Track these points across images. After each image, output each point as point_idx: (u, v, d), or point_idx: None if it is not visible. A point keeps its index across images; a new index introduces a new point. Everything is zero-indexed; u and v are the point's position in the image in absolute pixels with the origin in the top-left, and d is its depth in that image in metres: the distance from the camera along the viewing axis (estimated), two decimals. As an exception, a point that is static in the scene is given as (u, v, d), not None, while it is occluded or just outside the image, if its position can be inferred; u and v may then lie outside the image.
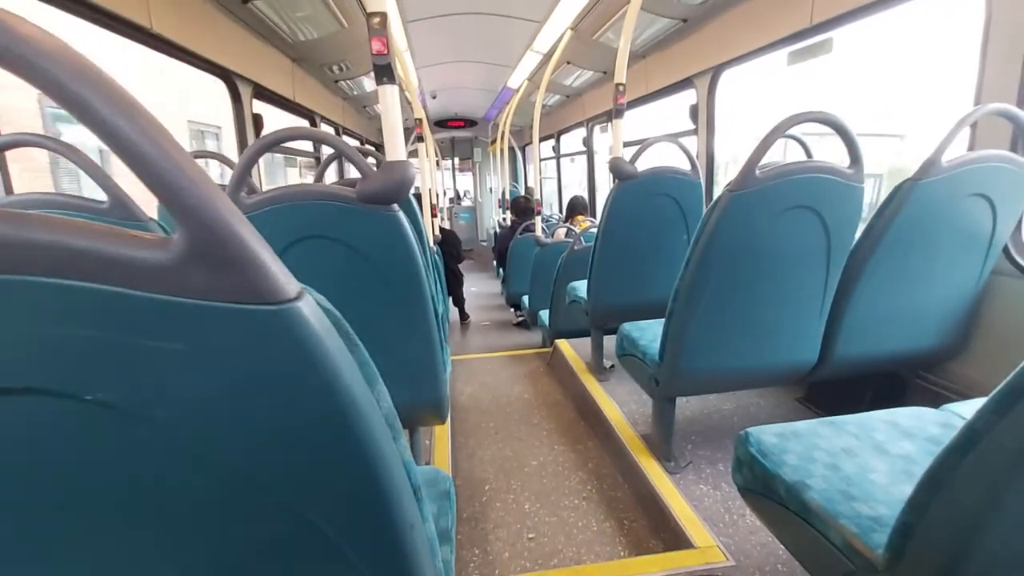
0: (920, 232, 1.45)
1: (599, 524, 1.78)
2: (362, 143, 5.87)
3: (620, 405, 2.27)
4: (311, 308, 0.38)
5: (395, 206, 1.13)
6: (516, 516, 1.83)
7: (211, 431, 0.38)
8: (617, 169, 2.07)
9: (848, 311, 1.54)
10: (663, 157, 2.39)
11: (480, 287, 7.01)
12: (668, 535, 1.59)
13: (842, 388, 1.97)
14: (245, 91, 2.86)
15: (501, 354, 3.58)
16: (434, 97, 6.22)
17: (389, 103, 1.20)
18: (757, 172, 1.32)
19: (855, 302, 1.53)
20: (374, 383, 0.46)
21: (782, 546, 1.42)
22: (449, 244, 4.57)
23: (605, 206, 2.19)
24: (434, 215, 4.18)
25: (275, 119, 2.95)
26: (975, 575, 0.71)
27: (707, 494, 1.68)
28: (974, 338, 1.68)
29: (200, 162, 0.51)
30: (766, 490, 1.04)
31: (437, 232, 4.33)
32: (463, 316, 5.08)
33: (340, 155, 1.59)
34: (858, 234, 1.52)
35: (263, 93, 3.12)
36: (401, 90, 3.23)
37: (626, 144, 2.45)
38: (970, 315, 1.64)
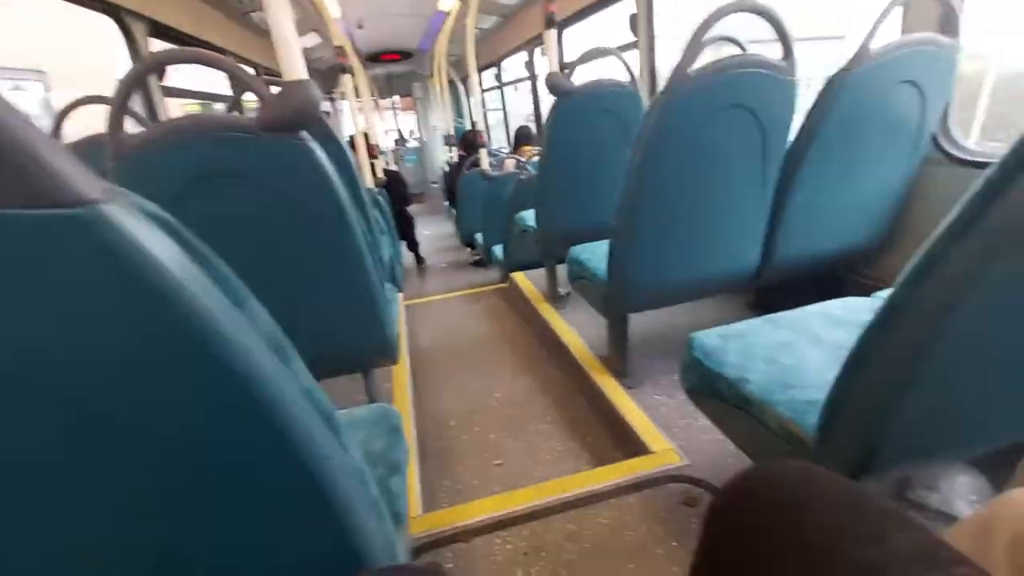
0: (854, 125, 1.44)
1: (563, 443, 1.83)
2: None
3: (578, 330, 2.30)
4: (124, 212, 0.32)
5: (303, 134, 1.03)
6: (483, 446, 1.87)
7: (43, 361, 0.32)
8: (553, 85, 1.96)
9: (787, 211, 1.56)
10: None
11: (434, 230, 6.85)
12: (628, 445, 1.65)
13: (787, 291, 2.04)
14: (138, 29, 2.54)
15: (459, 293, 3.56)
16: (360, 27, 5.74)
17: (280, 14, 1.06)
18: (690, 72, 1.27)
19: (793, 202, 1.54)
20: (242, 302, 0.41)
21: (731, 442, 1.52)
22: (395, 186, 4.38)
23: (545, 127, 2.10)
24: (373, 156, 3.96)
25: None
26: (896, 444, 0.75)
27: (663, 403, 1.74)
28: (905, 229, 1.75)
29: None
30: (711, 389, 1.07)
31: (380, 174, 4.13)
32: (419, 260, 4.99)
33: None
34: (793, 134, 1.51)
35: (162, 31, 2.79)
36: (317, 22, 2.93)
37: (566, 65, 2.33)
38: (901, 206, 1.69)
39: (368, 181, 3.09)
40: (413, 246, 4.90)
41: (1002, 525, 0.52)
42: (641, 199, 1.46)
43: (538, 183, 2.28)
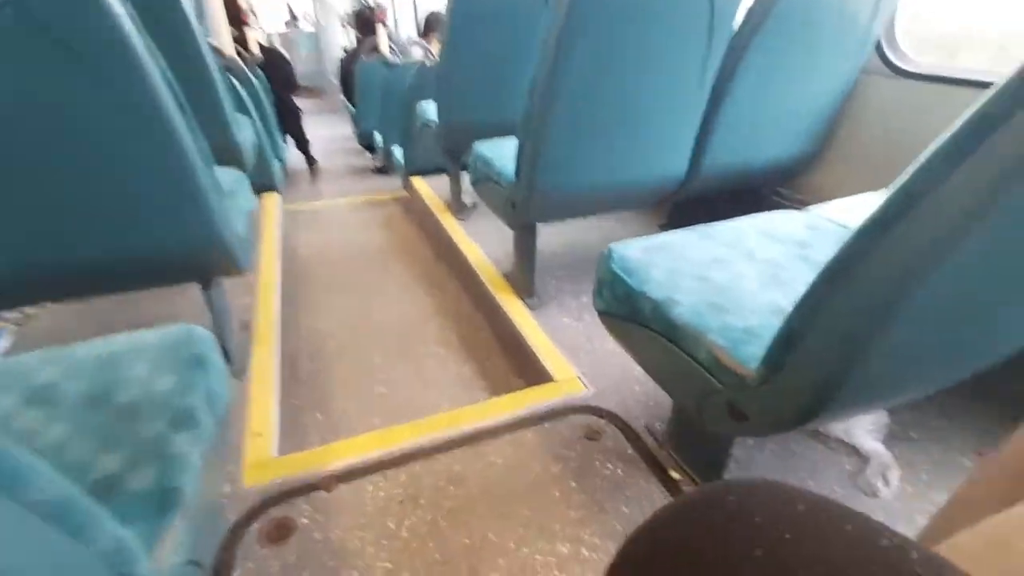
0: (803, 16, 1.23)
1: (459, 369, 1.63)
2: None
3: (482, 245, 2.04)
4: None
5: None
6: (365, 371, 1.62)
7: None
8: None
9: (722, 114, 1.35)
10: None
11: (333, 130, 6.06)
12: (530, 371, 1.48)
13: (704, 210, 1.91)
14: None
15: (351, 199, 3.12)
16: None
17: None
18: None
19: (731, 103, 1.34)
20: None
21: (639, 367, 1.38)
22: (275, 67, 3.64)
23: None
24: (244, 23, 3.21)
25: None
26: (855, 388, 0.59)
27: (569, 326, 1.57)
28: (834, 144, 1.63)
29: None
30: (629, 311, 0.88)
31: (255, 48, 3.38)
32: (310, 161, 4.33)
33: None
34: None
35: None
36: None
37: None
38: (835, 118, 1.55)
39: (228, 51, 2.45)
40: (302, 144, 4.22)
41: (1019, 543, 0.37)
42: (557, 87, 1.17)
43: (440, 67, 1.88)
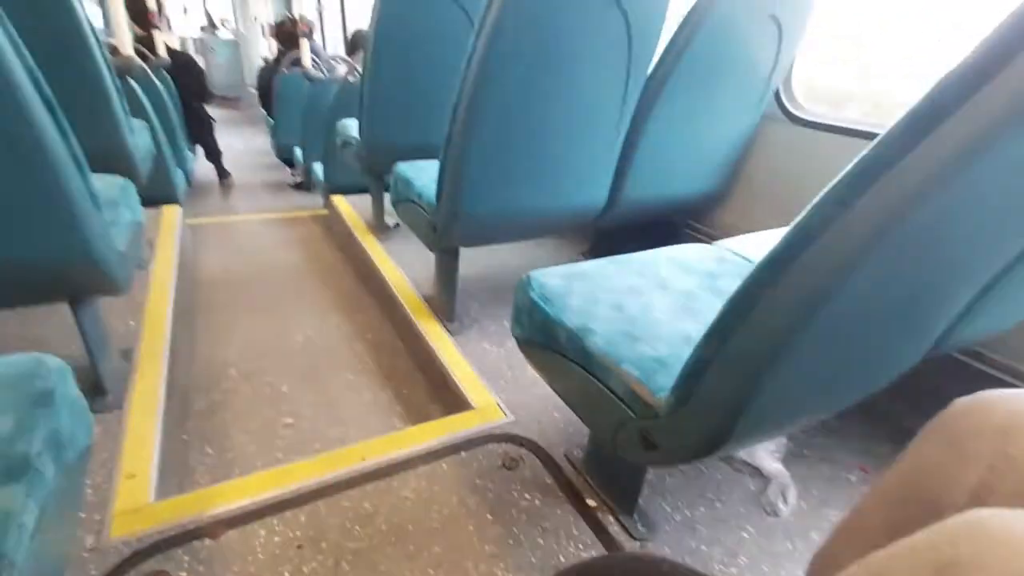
0: (716, 55, 1.33)
1: (374, 398, 1.55)
2: None
3: (403, 267, 1.98)
4: None
5: None
6: (270, 402, 1.49)
7: None
8: None
9: (641, 145, 1.42)
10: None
11: (250, 143, 5.74)
12: (448, 398, 1.43)
13: (624, 239, 1.98)
14: None
15: (265, 216, 2.94)
16: None
17: None
18: None
19: (648, 138, 1.40)
20: None
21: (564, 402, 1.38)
22: (185, 72, 3.39)
23: (372, 11, 1.66)
24: (152, 23, 2.98)
25: None
26: (760, 415, 0.61)
27: (489, 352, 1.54)
28: (737, 183, 1.75)
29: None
30: (546, 339, 0.87)
31: (162, 51, 3.14)
32: (221, 173, 4.05)
33: None
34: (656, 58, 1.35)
35: None
36: None
37: None
38: (739, 159, 1.68)
39: (126, 51, 2.24)
40: (213, 155, 3.95)
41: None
42: (479, 109, 1.17)
43: (362, 84, 1.83)
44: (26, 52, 0.75)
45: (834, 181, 0.49)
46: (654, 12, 1.21)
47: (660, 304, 0.90)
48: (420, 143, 1.83)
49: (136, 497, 0.99)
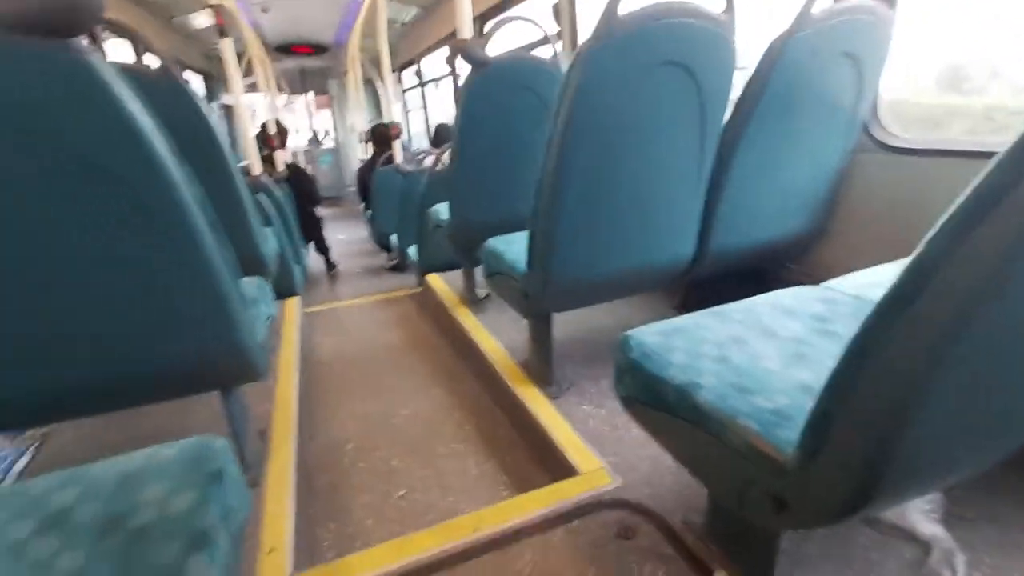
0: (793, 99, 1.32)
1: (479, 467, 1.57)
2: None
3: (497, 335, 2.05)
4: None
5: (77, 42, 0.70)
6: (382, 476, 1.56)
7: None
8: (466, 53, 1.72)
9: (725, 194, 1.40)
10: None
11: (350, 234, 6.37)
12: (552, 464, 1.42)
13: (717, 289, 1.92)
14: None
15: (367, 299, 3.20)
16: (265, 11, 5.22)
17: None
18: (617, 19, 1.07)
19: (731, 184, 1.39)
20: None
21: (670, 456, 1.31)
22: (300, 182, 3.93)
23: (458, 104, 1.85)
24: (272, 145, 3.51)
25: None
26: (905, 469, 0.56)
27: (591, 414, 1.52)
28: (837, 219, 1.66)
29: None
30: (652, 397, 0.85)
31: (282, 167, 3.67)
32: (330, 265, 4.52)
33: None
34: (730, 110, 1.36)
35: None
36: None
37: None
38: (835, 194, 1.60)
39: (256, 170, 2.66)
40: (322, 250, 4.44)
41: None
42: (562, 179, 1.24)
43: (450, 169, 2.02)
44: (197, 183, 0.93)
45: (954, 206, 0.46)
46: (721, 64, 1.25)
47: (768, 353, 0.86)
48: (507, 218, 1.95)
49: (277, 570, 1.07)
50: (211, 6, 2.50)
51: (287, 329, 2.29)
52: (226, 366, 1.11)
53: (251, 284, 1.35)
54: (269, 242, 2.04)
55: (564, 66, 1.91)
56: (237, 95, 2.79)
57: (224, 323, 1.02)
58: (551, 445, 1.41)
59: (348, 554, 1.12)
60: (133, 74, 0.87)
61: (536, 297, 1.42)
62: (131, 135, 0.79)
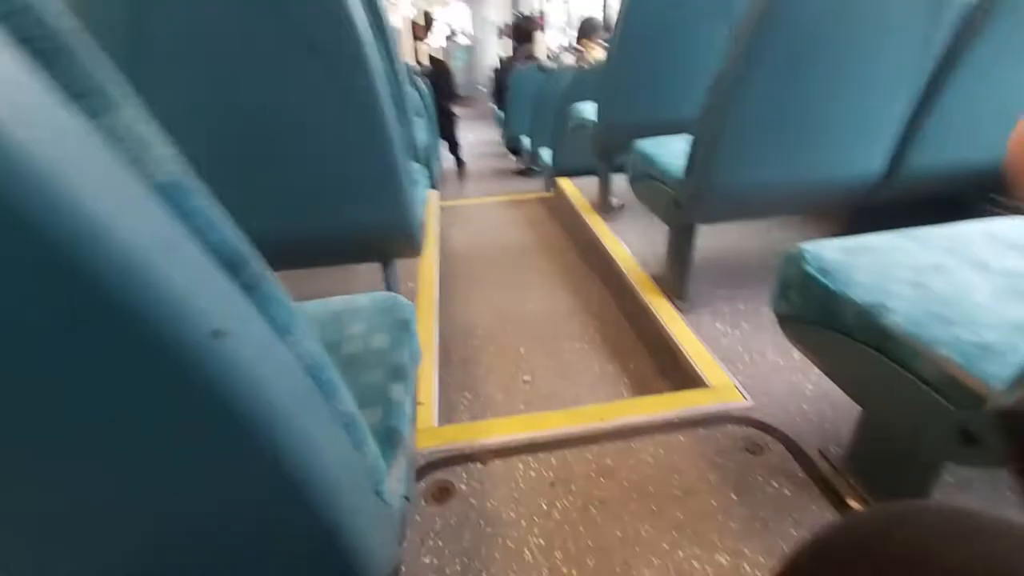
0: None
1: (601, 367, 1.63)
2: None
3: (628, 245, 2.01)
4: None
5: None
6: (511, 359, 1.68)
7: None
8: None
9: (941, 103, 1.17)
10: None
11: (479, 135, 6.43)
12: (678, 375, 1.43)
13: (892, 220, 1.68)
14: None
15: (497, 199, 3.27)
16: None
17: None
18: None
19: (953, 90, 1.16)
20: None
21: (809, 385, 1.25)
22: (440, 77, 3.96)
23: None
24: (418, 36, 3.54)
25: None
26: None
27: (724, 332, 1.48)
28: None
29: None
30: (825, 316, 0.80)
31: (425, 60, 3.72)
32: (459, 163, 4.65)
33: None
34: None
35: None
36: None
37: None
38: None
39: (409, 62, 2.73)
40: (454, 147, 4.55)
41: None
42: (745, 83, 1.11)
43: (605, 67, 1.90)
44: (386, 60, 0.98)
45: None
46: None
47: (978, 285, 0.76)
48: (661, 120, 1.83)
49: (426, 420, 1.24)
50: None
51: (429, 218, 2.44)
52: (392, 238, 1.22)
53: (413, 167, 1.44)
54: (421, 132, 2.13)
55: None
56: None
57: (394, 196, 1.11)
58: (679, 356, 1.42)
59: (481, 419, 1.26)
60: None
61: (688, 206, 1.35)
62: (340, 9, 0.84)
